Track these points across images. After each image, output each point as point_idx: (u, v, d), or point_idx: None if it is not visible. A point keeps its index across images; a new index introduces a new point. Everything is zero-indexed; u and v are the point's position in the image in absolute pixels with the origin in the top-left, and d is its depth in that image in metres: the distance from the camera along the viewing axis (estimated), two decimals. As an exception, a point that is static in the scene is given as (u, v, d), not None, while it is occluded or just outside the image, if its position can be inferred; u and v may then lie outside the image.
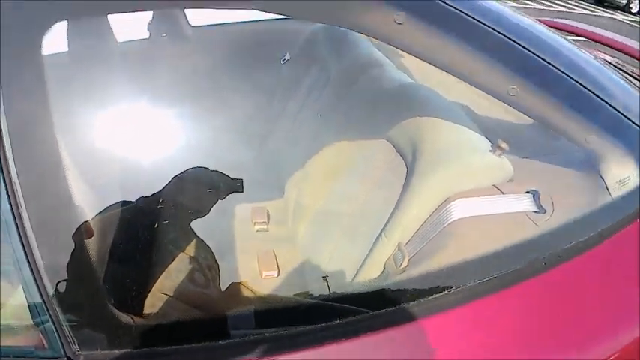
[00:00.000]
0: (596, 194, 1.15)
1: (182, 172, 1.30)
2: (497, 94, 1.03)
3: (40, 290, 0.88)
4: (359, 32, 1.03)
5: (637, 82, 1.67)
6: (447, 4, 1.01)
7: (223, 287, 1.44)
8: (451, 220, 1.11)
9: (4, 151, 0.85)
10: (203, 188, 1.61)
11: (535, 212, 1.11)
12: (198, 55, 2.28)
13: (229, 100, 1.94)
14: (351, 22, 1.00)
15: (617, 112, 1.10)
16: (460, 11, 1.02)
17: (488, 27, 1.03)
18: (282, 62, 2.16)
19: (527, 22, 1.29)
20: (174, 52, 2.25)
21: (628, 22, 13.90)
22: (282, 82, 2.19)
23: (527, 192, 1.14)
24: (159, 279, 1.36)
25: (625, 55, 1.98)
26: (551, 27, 2.29)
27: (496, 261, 1.02)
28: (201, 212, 1.60)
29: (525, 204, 1.12)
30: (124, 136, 1.28)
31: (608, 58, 2.00)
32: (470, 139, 1.23)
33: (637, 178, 1.13)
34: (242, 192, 1.37)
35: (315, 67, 1.98)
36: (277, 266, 1.58)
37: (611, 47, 2.04)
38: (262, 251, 1.63)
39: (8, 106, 0.85)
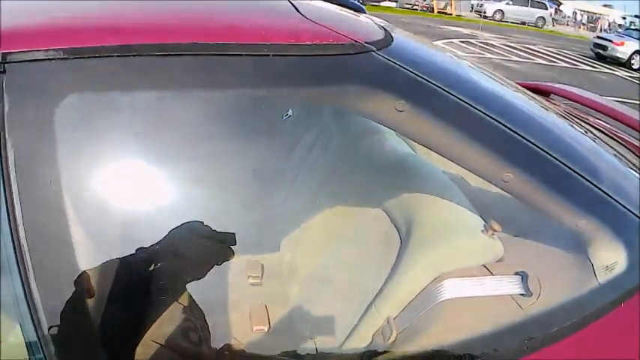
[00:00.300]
0: (584, 277, 1.17)
1: (179, 226, 1.32)
2: (492, 180, 1.07)
3: (36, 329, 0.91)
4: (362, 116, 1.08)
5: (631, 157, 1.70)
6: (447, 92, 1.06)
7: (214, 341, 1.44)
8: (440, 299, 1.14)
9: (11, 191, 0.90)
10: (198, 240, 1.63)
11: (522, 295, 1.13)
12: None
13: (230, 155, 1.97)
14: (354, 107, 1.04)
15: (609, 198, 1.13)
16: (460, 99, 1.06)
17: (486, 114, 1.07)
18: (284, 118, 2.20)
19: (526, 105, 1.33)
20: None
21: (629, 78, 14.07)
22: (282, 139, 2.23)
23: (516, 273, 1.17)
24: (152, 327, 1.37)
25: (624, 126, 2.01)
26: (550, 92, 2.35)
27: (480, 344, 1.04)
28: (196, 263, 1.61)
29: (512, 286, 1.14)
30: (126, 189, 1.31)
31: (607, 127, 2.04)
32: (463, 218, 1.26)
33: (624, 263, 1.15)
34: (234, 244, 1.39)
35: (316, 126, 2.02)
36: (268, 321, 1.59)
37: (611, 117, 2.07)
38: (254, 305, 1.64)
39: (17, 147, 0.91)
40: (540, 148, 1.09)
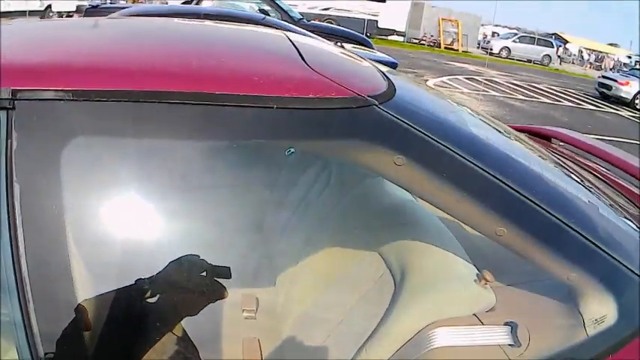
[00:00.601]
0: (573, 329, 1.19)
1: (175, 259, 1.33)
2: (486, 234, 1.09)
3: (32, 355, 0.94)
4: (362, 169, 1.11)
5: (629, 207, 1.71)
6: (445, 147, 1.09)
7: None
8: (430, 347, 1.15)
9: (15, 223, 0.94)
10: (193, 273, 1.65)
11: (510, 345, 1.14)
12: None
13: (230, 187, 2.00)
14: (353, 159, 1.06)
15: (601, 251, 1.15)
16: (457, 154, 1.09)
17: (482, 169, 1.10)
18: (287, 153, 2.22)
19: (523, 156, 1.36)
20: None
21: (632, 118, 14.12)
22: (284, 174, 2.26)
23: (506, 323, 1.18)
24: (145, 355, 1.38)
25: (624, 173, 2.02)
26: (552, 137, 2.38)
27: None
28: (191, 297, 1.62)
29: (502, 337, 1.15)
30: (127, 226, 1.33)
31: (606, 174, 2.06)
32: (457, 267, 1.28)
33: (614, 316, 1.16)
34: (229, 278, 1.41)
35: (318, 163, 2.05)
36: (260, 355, 1.60)
37: (611, 164, 2.08)
38: (247, 339, 1.65)
39: (23, 182, 0.94)
40: (534, 202, 1.11)
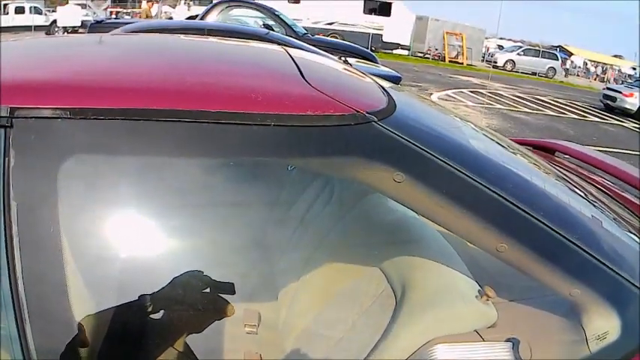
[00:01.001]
0: (576, 345, 1.17)
1: (179, 275, 1.33)
2: (487, 250, 1.09)
3: None
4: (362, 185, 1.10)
5: (632, 219, 1.70)
6: (445, 163, 1.08)
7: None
8: None
9: (12, 240, 0.94)
10: (198, 289, 1.64)
11: (513, 363, 1.13)
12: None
13: (230, 205, 1.99)
14: (352, 176, 1.06)
15: (604, 266, 1.14)
16: (458, 170, 1.08)
17: (483, 185, 1.09)
18: (289, 169, 2.22)
19: (525, 171, 1.35)
20: None
21: (637, 129, 14.06)
22: (286, 190, 2.26)
23: (508, 339, 1.17)
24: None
25: (625, 184, 2.01)
26: (555, 150, 2.37)
27: None
28: (195, 314, 1.62)
29: (503, 353, 1.14)
30: (125, 238, 1.33)
31: (610, 186, 2.05)
32: (458, 283, 1.27)
33: (617, 333, 1.15)
34: (233, 294, 1.40)
35: (320, 179, 2.05)
36: None
37: (613, 176, 2.08)
38: (249, 353, 1.64)
39: (20, 199, 0.95)
40: (536, 218, 1.11)
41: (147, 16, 16.92)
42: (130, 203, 1.25)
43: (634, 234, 1.50)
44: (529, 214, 1.10)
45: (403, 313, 1.26)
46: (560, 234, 1.11)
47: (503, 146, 1.69)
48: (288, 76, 1.27)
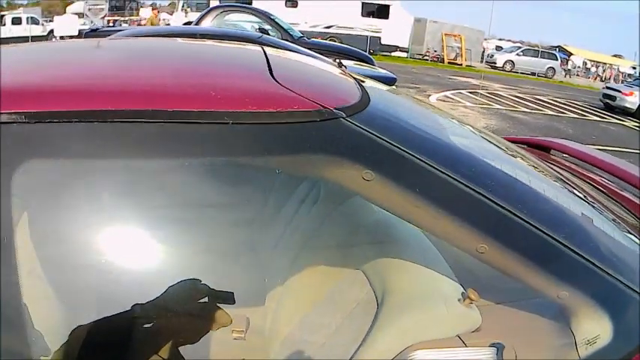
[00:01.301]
0: (565, 350, 1.13)
1: (175, 283, 1.28)
2: (467, 251, 1.04)
3: None
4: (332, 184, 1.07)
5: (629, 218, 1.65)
6: (419, 160, 1.03)
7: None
8: None
9: None
10: (196, 298, 1.61)
11: (495, 369, 1.08)
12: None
13: (220, 205, 1.95)
14: (324, 175, 1.02)
15: (594, 267, 1.09)
16: (432, 167, 1.03)
17: (460, 183, 1.04)
18: (277, 172, 2.17)
19: (509, 167, 1.30)
20: None
21: (637, 128, 14.02)
22: (274, 192, 2.22)
23: (492, 344, 1.12)
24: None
25: (624, 182, 1.96)
26: (551, 148, 2.33)
27: None
28: (191, 324, 1.58)
29: (486, 359, 1.09)
30: (102, 248, 1.29)
31: (607, 184, 2.00)
32: (441, 285, 1.22)
33: (609, 337, 1.10)
34: (233, 303, 1.37)
35: (307, 181, 2.01)
36: None
37: (611, 174, 2.03)
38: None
39: None
40: (518, 217, 1.06)
41: (152, 24, 16.83)
42: (90, 207, 1.21)
43: (632, 234, 1.45)
44: (511, 212, 1.05)
45: (382, 317, 1.21)
46: (545, 233, 1.06)
47: (491, 144, 1.65)
48: (255, 73, 1.22)
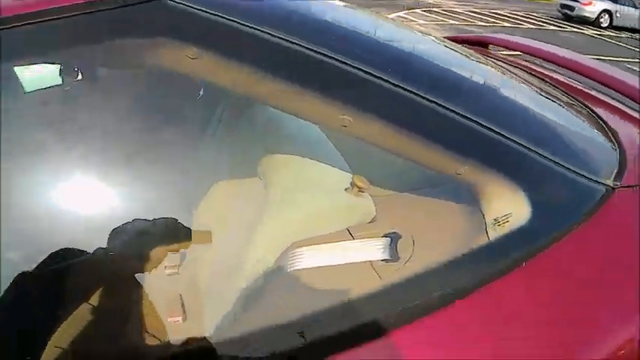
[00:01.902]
0: (473, 235, 0.98)
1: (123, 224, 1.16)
2: (330, 127, 0.88)
3: None
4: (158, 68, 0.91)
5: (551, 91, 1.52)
6: (245, 25, 0.88)
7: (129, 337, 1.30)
8: (290, 270, 0.97)
9: None
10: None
11: (387, 260, 0.94)
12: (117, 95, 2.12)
13: (148, 137, 1.79)
14: (145, 62, 0.86)
15: (497, 136, 0.94)
16: (263, 32, 0.88)
17: (298, 45, 0.88)
18: (198, 98, 2.01)
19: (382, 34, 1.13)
20: (91, 97, 2.10)
21: (598, 36, 13.99)
22: (196, 117, 2.02)
23: (387, 235, 0.97)
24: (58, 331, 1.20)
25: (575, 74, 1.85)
26: (489, 43, 2.19)
27: (329, 317, 0.84)
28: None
29: (376, 252, 0.96)
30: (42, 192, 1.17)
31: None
32: (326, 178, 1.09)
33: (526, 216, 0.95)
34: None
35: (223, 102, 1.85)
36: (184, 311, 1.44)
37: (548, 61, 1.93)
38: (170, 295, 1.49)
39: None
40: (395, 85, 0.90)
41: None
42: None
43: (559, 105, 1.31)
44: (378, 77, 0.89)
45: (265, 216, 1.07)
46: (432, 101, 0.91)
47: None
48: None
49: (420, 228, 1.01)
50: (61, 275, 1.17)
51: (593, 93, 1.67)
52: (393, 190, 1.12)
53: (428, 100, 0.90)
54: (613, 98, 1.62)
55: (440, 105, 0.91)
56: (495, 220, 0.97)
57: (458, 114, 0.91)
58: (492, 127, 0.93)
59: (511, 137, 0.95)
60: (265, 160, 1.21)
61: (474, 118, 0.92)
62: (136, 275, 1.53)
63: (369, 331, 0.80)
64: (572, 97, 1.57)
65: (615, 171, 1.06)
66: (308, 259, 0.95)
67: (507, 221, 0.96)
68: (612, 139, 1.23)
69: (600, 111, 1.45)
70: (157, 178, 1.74)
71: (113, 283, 1.36)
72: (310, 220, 1.01)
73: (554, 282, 0.89)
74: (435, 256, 0.92)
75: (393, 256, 0.94)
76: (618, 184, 1.02)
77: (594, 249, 0.94)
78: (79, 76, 1.78)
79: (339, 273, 0.95)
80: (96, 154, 1.32)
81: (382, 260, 0.95)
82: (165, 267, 1.59)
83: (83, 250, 1.20)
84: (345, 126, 0.87)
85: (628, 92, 1.53)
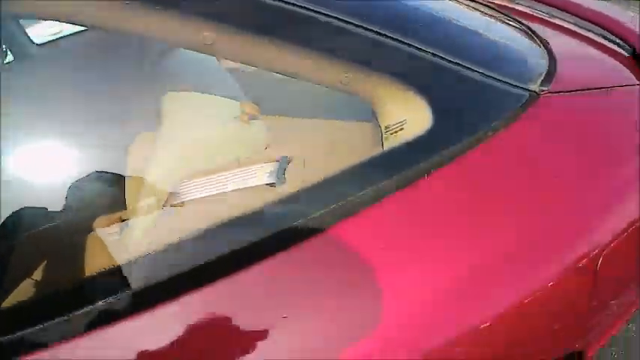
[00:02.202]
0: (369, 147, 0.95)
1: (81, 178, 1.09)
2: (190, 45, 0.82)
3: None
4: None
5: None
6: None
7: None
8: (179, 201, 0.96)
9: None
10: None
11: (272, 185, 0.92)
12: (50, 72, 2.06)
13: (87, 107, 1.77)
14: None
15: (389, 40, 0.86)
16: None
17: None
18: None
19: None
20: (22, 75, 2.06)
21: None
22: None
23: (277, 160, 0.95)
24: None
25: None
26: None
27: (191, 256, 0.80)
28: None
29: (260, 176, 0.93)
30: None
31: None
32: (218, 108, 1.06)
33: (426, 125, 0.89)
34: None
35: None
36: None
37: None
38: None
39: None
40: None
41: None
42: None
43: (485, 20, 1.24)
44: None
45: (158, 154, 1.04)
46: (302, 7, 0.82)
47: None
48: None
49: (314, 149, 0.99)
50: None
51: (554, 21, 1.59)
52: (288, 116, 1.09)
53: (298, 6, 0.82)
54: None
55: (309, 9, 0.82)
56: (386, 127, 0.93)
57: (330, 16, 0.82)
58: (371, 28, 0.84)
59: (399, 39, 0.86)
60: (163, 98, 1.17)
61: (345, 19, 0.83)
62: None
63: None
64: (511, 17, 1.49)
65: (542, 78, 1.01)
66: (196, 191, 0.94)
67: (401, 129, 0.91)
68: (543, 48, 1.17)
69: (538, 27, 1.37)
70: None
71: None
72: (200, 151, 1.00)
73: (460, 193, 0.87)
74: (326, 169, 0.88)
75: (279, 180, 0.93)
76: (545, 89, 0.98)
77: (510, 157, 0.91)
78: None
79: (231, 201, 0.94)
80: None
81: (268, 184, 0.93)
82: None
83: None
84: (208, 44, 0.81)
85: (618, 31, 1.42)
